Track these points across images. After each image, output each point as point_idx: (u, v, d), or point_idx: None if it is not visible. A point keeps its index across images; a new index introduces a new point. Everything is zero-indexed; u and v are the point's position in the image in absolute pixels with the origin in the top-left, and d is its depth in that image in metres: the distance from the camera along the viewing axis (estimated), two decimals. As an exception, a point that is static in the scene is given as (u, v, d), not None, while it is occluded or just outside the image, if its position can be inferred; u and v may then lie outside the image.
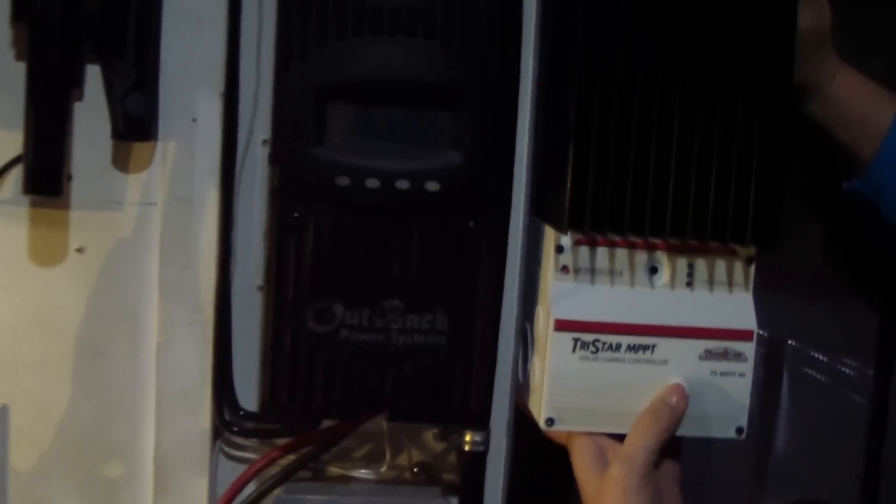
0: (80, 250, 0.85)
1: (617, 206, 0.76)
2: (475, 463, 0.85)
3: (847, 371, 1.08)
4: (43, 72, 0.80)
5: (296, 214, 0.79)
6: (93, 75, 0.84)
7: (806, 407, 1.10)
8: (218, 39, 0.83)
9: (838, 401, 1.08)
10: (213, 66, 0.83)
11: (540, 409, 0.79)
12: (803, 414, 1.10)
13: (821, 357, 1.09)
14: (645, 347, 0.78)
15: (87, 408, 0.86)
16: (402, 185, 0.78)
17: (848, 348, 1.08)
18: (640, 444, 0.76)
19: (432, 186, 0.78)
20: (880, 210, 0.93)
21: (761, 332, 1.06)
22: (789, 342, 1.10)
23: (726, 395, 0.79)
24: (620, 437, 0.78)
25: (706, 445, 1.08)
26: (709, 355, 0.79)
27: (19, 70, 0.80)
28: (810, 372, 1.10)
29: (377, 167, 0.78)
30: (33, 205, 0.84)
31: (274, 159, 0.81)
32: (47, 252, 0.85)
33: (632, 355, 0.78)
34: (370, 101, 0.79)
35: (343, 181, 0.78)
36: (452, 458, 0.88)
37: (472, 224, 0.80)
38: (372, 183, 0.78)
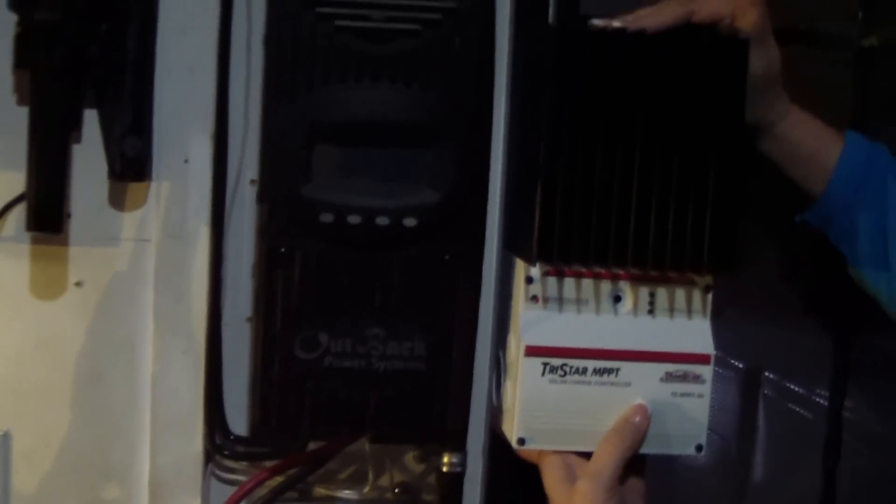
0: (79, 284, 0.87)
1: (582, 239, 0.78)
2: (453, 483, 0.87)
3: (801, 391, 1.11)
4: (45, 116, 0.82)
5: (283, 249, 0.81)
6: (90, 119, 0.85)
7: (767, 428, 1.13)
8: (208, 85, 0.85)
9: (796, 421, 1.11)
10: (204, 110, 0.86)
11: (512, 430, 0.80)
12: (765, 434, 1.13)
13: (775, 378, 1.12)
14: (610, 371, 0.80)
15: (86, 433, 0.88)
16: (383, 221, 0.81)
17: (805, 371, 1.11)
18: (606, 461, 0.78)
19: (410, 222, 0.81)
20: (829, 240, 0.95)
21: (737, 363, 1.09)
22: (748, 365, 1.13)
23: (686, 414, 0.81)
24: (588, 455, 0.79)
25: (672, 463, 1.11)
26: (669, 377, 0.81)
27: (21, 114, 0.82)
28: (769, 393, 1.13)
29: (359, 204, 0.81)
30: (35, 241, 0.86)
31: (262, 198, 0.83)
32: (48, 285, 0.87)
33: (598, 378, 0.80)
34: (353, 142, 0.81)
35: (327, 218, 0.81)
36: (432, 478, 0.90)
37: (447, 257, 0.82)
38: (354, 219, 0.81)
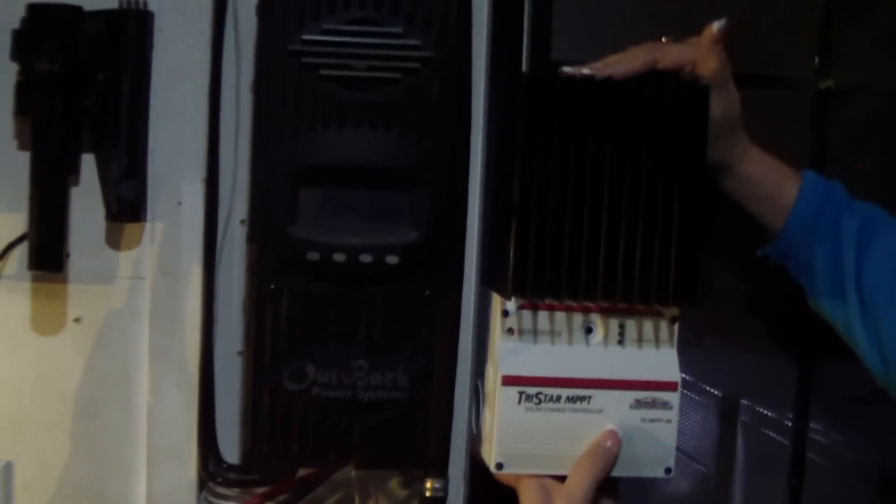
0: (77, 320, 0.89)
1: (555, 274, 0.80)
2: (436, 508, 0.89)
3: (774, 416, 1.14)
4: (45, 160, 0.84)
5: (272, 286, 0.83)
6: (88, 163, 0.88)
7: (744, 452, 1.15)
8: (200, 131, 0.87)
9: (769, 445, 1.13)
10: (195, 154, 0.88)
11: (491, 455, 0.82)
12: (732, 454, 1.15)
13: (751, 404, 1.15)
14: (582, 398, 0.82)
15: (84, 463, 0.89)
16: (366, 258, 0.83)
17: (777, 397, 1.14)
18: (580, 483, 0.80)
19: (392, 259, 0.83)
20: (789, 274, 0.98)
21: (715, 391, 1.11)
22: (725, 393, 1.16)
23: (655, 439, 0.83)
24: (563, 478, 0.81)
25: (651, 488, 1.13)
26: (639, 404, 0.83)
27: (21, 158, 0.85)
28: (745, 419, 1.15)
29: (343, 243, 0.83)
30: (35, 279, 0.88)
31: (251, 237, 0.85)
32: (48, 322, 0.89)
33: (571, 405, 0.82)
34: (337, 184, 0.83)
35: (313, 256, 0.83)
36: (415, 503, 0.91)
37: (428, 292, 0.85)
38: (339, 257, 0.83)
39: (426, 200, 0.84)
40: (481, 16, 0.88)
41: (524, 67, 0.92)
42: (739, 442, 1.15)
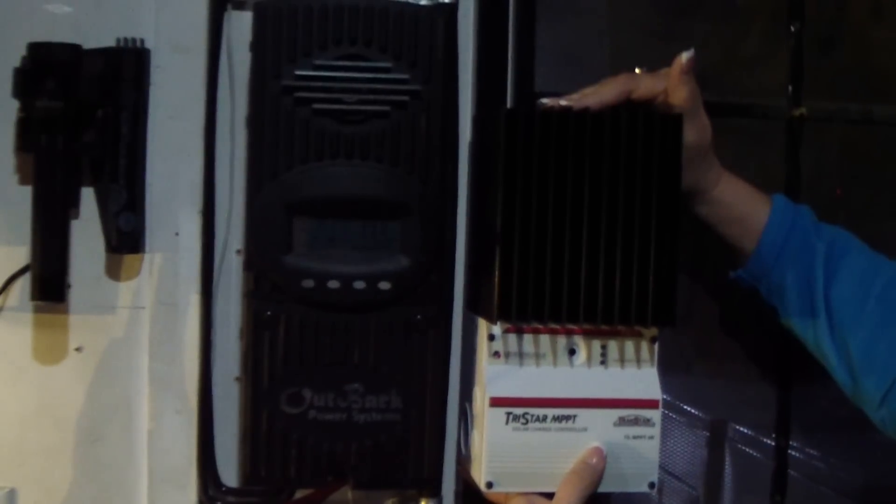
0: (79, 349, 0.91)
1: (538, 299, 0.81)
2: (431, 528, 0.90)
3: (750, 433, 1.16)
4: (47, 195, 0.86)
5: (268, 313, 0.85)
6: (88, 197, 0.90)
7: (721, 466, 1.17)
8: (196, 165, 0.90)
9: (754, 464, 1.14)
10: (192, 187, 0.90)
11: (480, 475, 0.83)
12: (720, 472, 1.17)
13: (737, 426, 1.16)
14: (567, 417, 0.83)
15: (87, 489, 0.91)
16: (359, 285, 0.85)
17: (759, 418, 1.15)
18: (567, 500, 0.81)
19: (384, 286, 0.85)
20: (761, 295, 0.99)
21: (702, 414, 1.12)
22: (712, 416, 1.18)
23: (639, 455, 0.84)
24: (551, 495, 0.82)
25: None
26: (622, 422, 0.84)
27: (22, 193, 0.87)
28: (732, 440, 1.16)
29: (337, 271, 0.85)
30: (37, 310, 0.90)
31: (248, 266, 0.87)
32: (50, 351, 0.90)
33: (557, 425, 0.83)
34: (330, 214, 0.85)
35: (308, 283, 0.85)
36: None
37: (419, 317, 0.86)
38: (333, 284, 0.85)
39: (417, 229, 0.86)
40: (467, 50, 0.91)
41: (508, 98, 0.94)
42: (727, 461, 1.16)
